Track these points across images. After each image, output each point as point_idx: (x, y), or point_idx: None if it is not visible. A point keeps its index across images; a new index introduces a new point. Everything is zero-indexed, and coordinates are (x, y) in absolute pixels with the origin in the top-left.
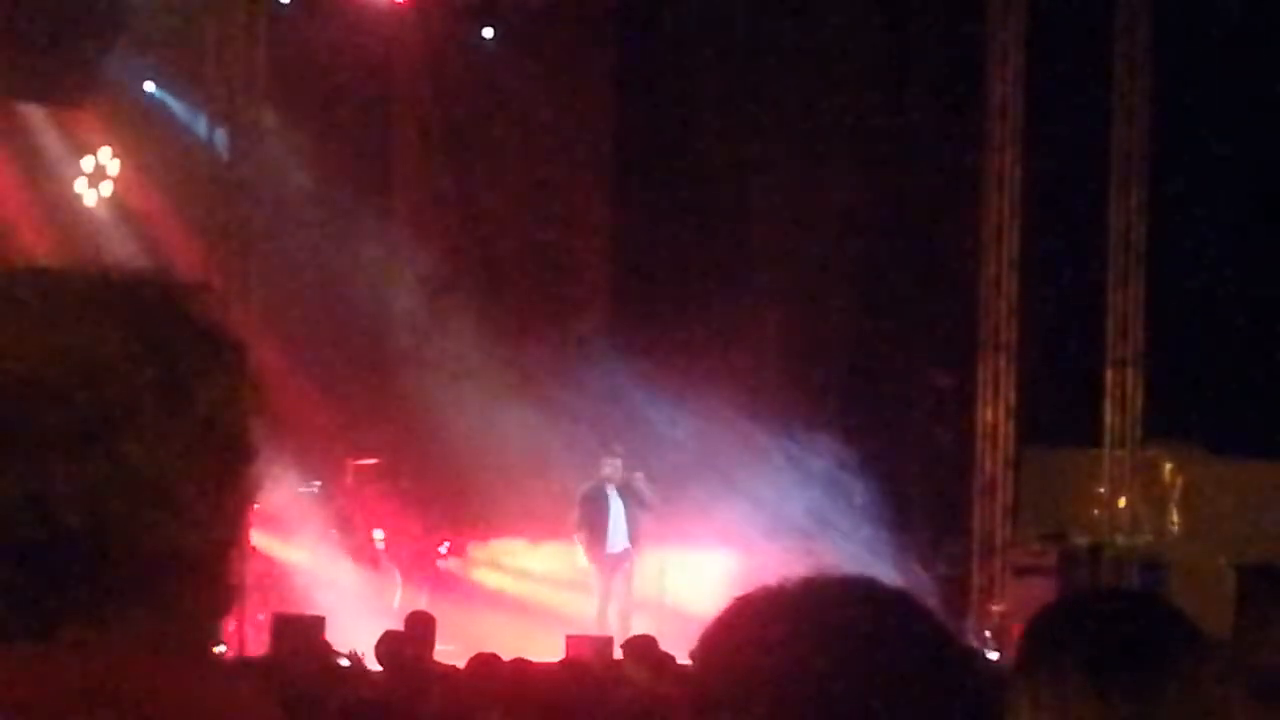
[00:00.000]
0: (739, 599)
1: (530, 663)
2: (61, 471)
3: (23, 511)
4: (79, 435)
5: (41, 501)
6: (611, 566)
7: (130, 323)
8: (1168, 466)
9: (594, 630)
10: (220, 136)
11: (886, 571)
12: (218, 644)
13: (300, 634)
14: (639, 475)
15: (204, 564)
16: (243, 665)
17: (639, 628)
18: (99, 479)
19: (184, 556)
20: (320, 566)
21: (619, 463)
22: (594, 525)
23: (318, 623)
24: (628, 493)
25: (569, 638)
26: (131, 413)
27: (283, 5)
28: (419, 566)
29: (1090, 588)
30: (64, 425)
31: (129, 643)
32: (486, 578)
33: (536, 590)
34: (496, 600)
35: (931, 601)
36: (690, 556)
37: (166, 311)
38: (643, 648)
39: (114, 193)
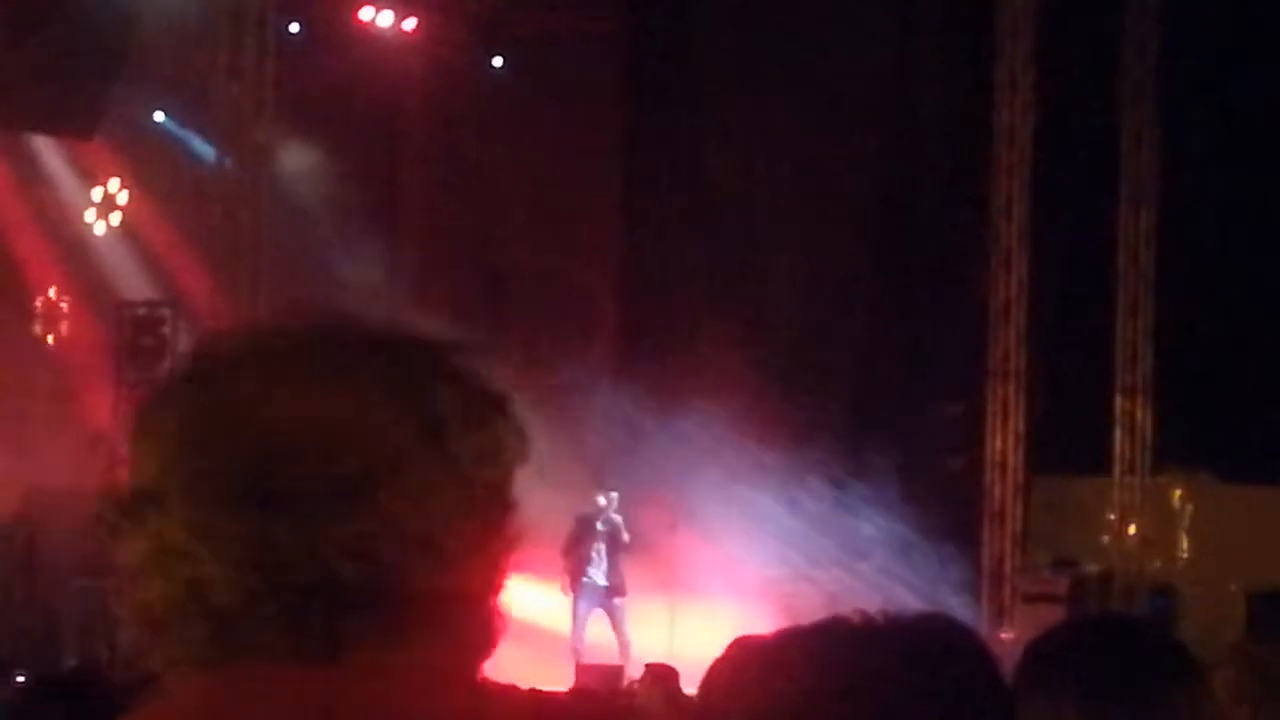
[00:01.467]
0: (742, 639)
1: (544, 692)
2: (332, 525)
3: (299, 561)
4: (347, 492)
5: (315, 552)
6: (589, 599)
7: (391, 381)
8: (1177, 493)
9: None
10: (229, 165)
11: (900, 600)
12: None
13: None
14: (617, 515)
15: (470, 604)
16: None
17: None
18: (367, 531)
19: (451, 598)
20: None
21: (614, 496)
22: (576, 555)
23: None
24: (610, 529)
25: (579, 666)
26: (395, 469)
27: (292, 34)
28: None
29: (1093, 614)
30: (333, 482)
31: (407, 668)
32: None
33: (536, 620)
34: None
35: None
36: (699, 602)
37: (426, 368)
38: (663, 676)
39: (123, 222)
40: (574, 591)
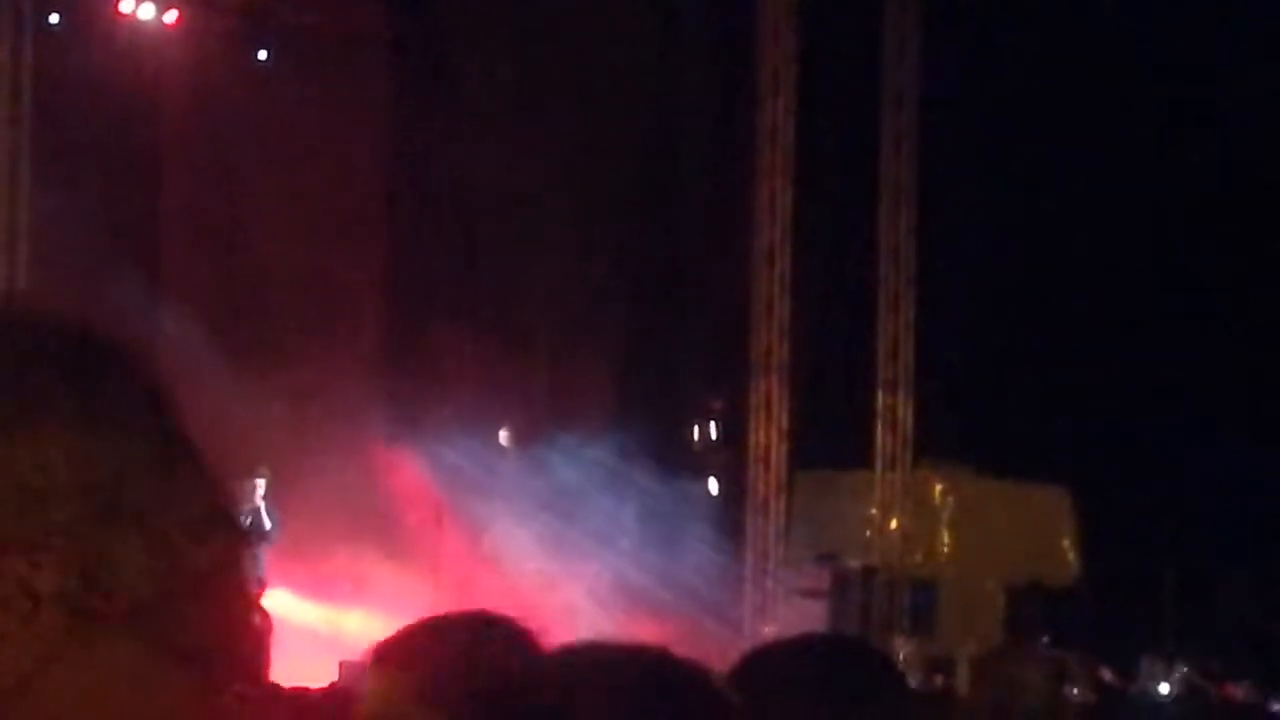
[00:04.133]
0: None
1: (307, 689)
2: None
3: None
4: None
5: None
6: None
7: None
8: (938, 488)
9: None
10: None
11: (660, 592)
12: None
13: None
14: (262, 505)
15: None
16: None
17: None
18: None
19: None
20: None
21: (261, 482)
22: None
23: None
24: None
25: (343, 664)
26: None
27: (51, 25)
28: None
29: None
30: None
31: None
32: None
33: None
34: None
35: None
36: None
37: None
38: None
39: None
40: None
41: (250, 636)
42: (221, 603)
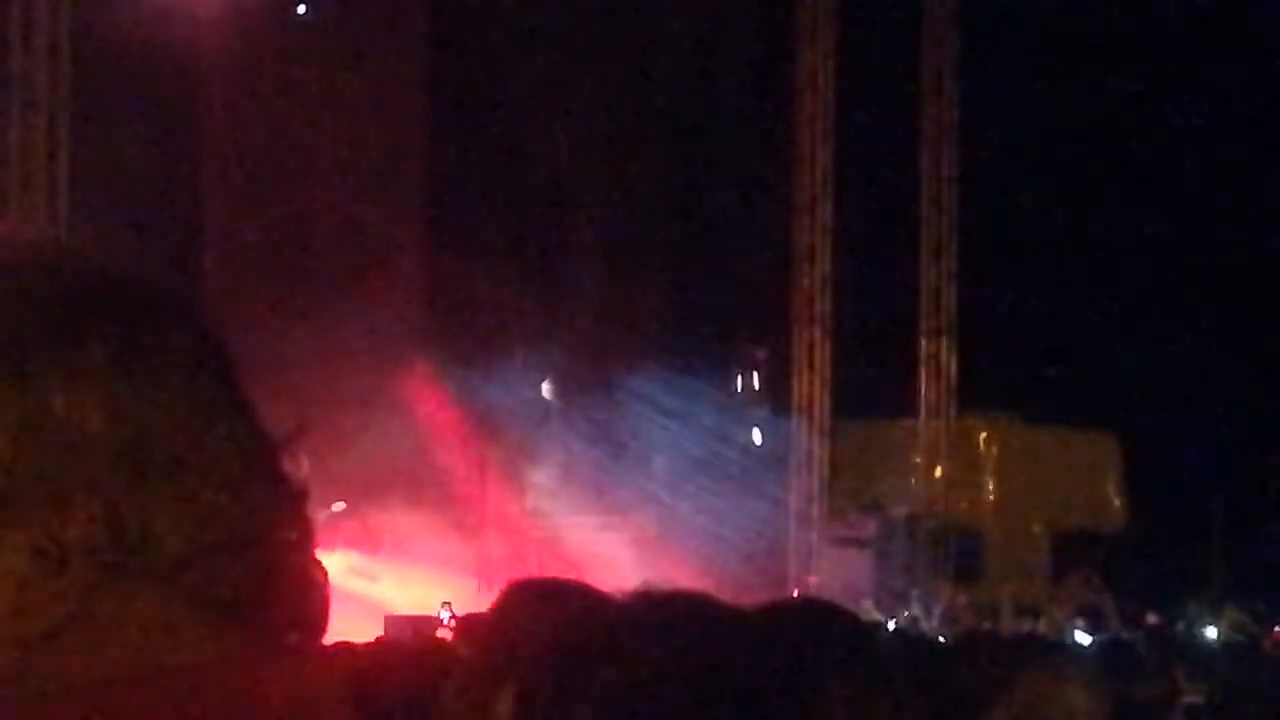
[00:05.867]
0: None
1: (354, 644)
2: None
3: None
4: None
5: None
6: None
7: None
8: (982, 436)
9: None
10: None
11: (705, 543)
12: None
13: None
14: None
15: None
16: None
17: None
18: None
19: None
20: None
21: None
22: None
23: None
24: None
25: (388, 618)
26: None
27: None
28: None
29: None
30: None
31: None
32: None
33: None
34: None
35: (749, 572)
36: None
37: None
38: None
39: None
40: None
41: (301, 589)
42: (263, 556)
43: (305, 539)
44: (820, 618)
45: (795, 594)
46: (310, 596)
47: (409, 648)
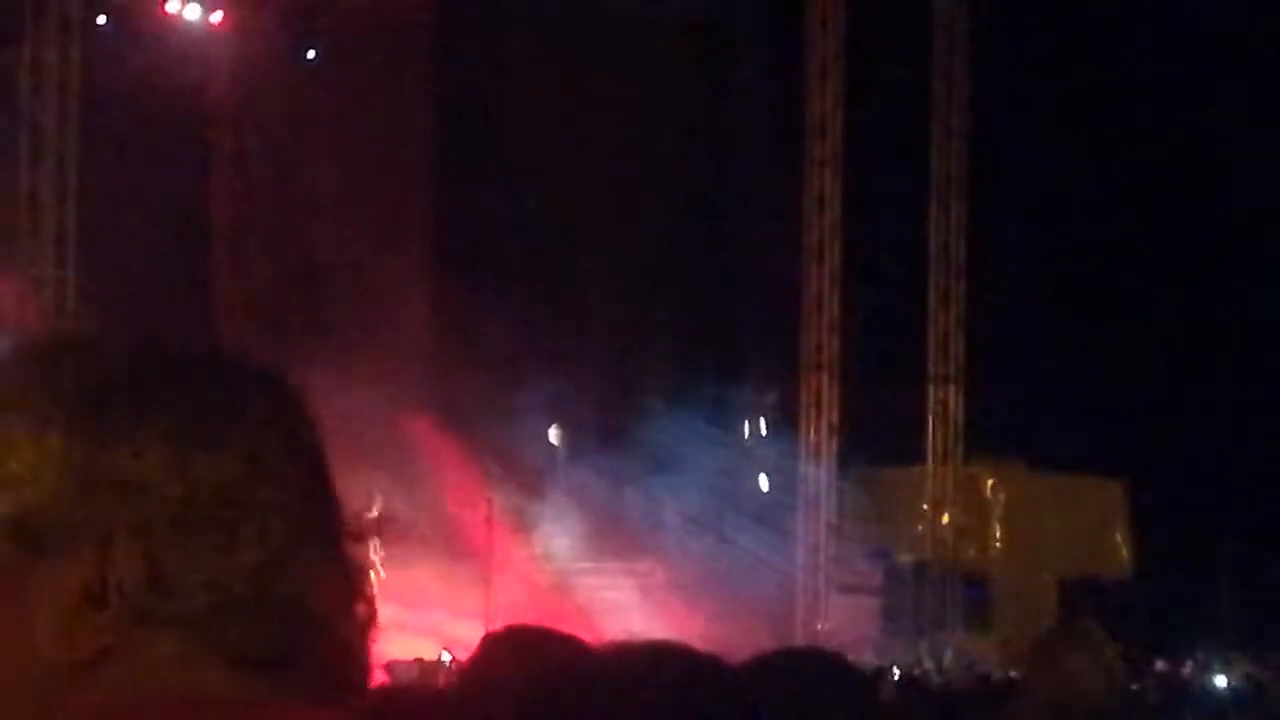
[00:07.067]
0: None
1: None
2: None
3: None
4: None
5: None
6: None
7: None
8: (989, 482)
9: None
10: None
11: (712, 589)
12: None
13: None
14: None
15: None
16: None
17: None
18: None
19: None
20: None
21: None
22: None
23: None
24: None
25: (389, 662)
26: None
27: (98, 26)
28: None
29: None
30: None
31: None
32: None
33: None
34: None
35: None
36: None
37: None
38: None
39: None
40: None
41: (340, 653)
42: (301, 616)
43: (352, 607)
44: (812, 667)
45: (799, 641)
46: (348, 662)
47: (412, 694)
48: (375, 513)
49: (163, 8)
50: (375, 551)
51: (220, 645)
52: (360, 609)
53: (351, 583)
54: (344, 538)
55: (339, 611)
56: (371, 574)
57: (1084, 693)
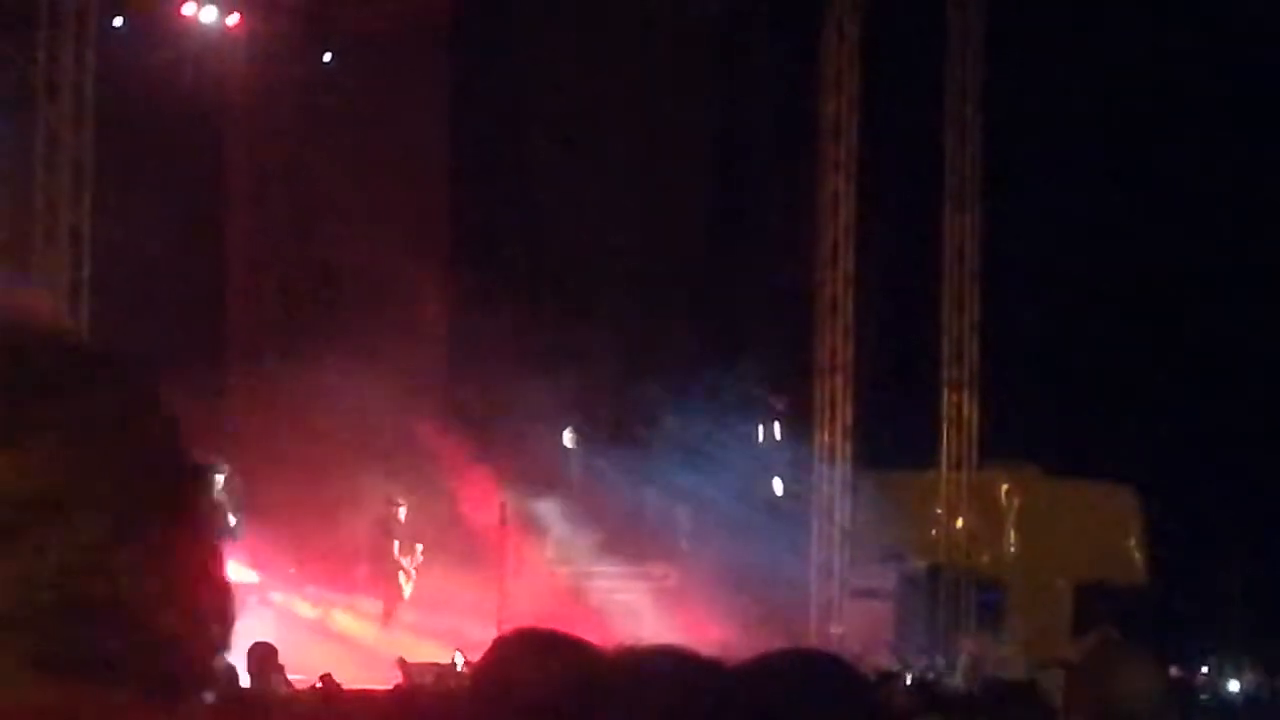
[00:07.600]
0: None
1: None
2: None
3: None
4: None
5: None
6: None
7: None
8: (1004, 487)
9: None
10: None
11: (726, 593)
12: None
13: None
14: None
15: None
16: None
17: None
18: None
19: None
20: None
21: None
22: None
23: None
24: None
25: (404, 664)
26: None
27: (114, 29)
28: None
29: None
30: None
31: None
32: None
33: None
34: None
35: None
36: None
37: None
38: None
39: None
40: None
41: (170, 650)
42: (112, 613)
43: (190, 603)
44: (815, 670)
45: (802, 645)
46: (175, 661)
47: (425, 695)
48: (401, 519)
49: (179, 10)
50: (411, 558)
51: (27, 651)
52: (204, 602)
53: (189, 577)
54: (189, 529)
55: (171, 609)
56: (402, 579)
57: (1135, 711)
